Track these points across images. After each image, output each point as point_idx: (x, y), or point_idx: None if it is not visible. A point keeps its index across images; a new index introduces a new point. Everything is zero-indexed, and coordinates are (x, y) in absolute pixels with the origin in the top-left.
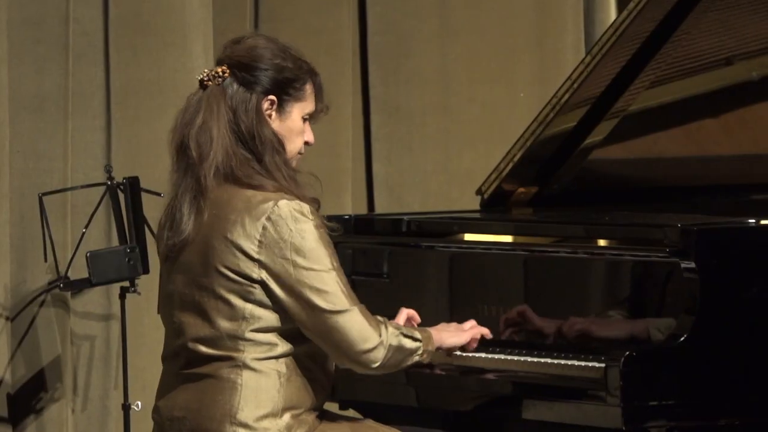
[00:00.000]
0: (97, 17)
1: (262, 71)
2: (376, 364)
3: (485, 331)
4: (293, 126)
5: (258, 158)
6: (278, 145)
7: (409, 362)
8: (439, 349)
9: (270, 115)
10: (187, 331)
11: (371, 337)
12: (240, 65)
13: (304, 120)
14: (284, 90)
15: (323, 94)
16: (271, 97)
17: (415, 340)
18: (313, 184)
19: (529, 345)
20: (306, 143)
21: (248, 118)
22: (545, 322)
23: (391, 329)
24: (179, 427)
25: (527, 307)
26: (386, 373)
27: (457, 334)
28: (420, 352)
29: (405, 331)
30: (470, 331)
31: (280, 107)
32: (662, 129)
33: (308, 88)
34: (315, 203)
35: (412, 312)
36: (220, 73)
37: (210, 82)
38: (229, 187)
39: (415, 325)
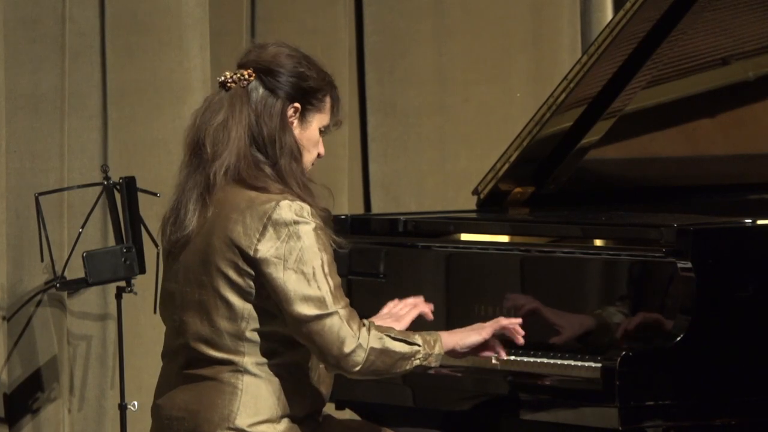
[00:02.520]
0: (93, 17)
1: (287, 77)
2: (357, 368)
3: (505, 323)
4: (311, 136)
5: (272, 162)
6: (297, 152)
7: (407, 366)
8: (454, 351)
9: (292, 123)
10: (188, 330)
11: (349, 340)
12: (266, 70)
13: (320, 132)
14: (308, 99)
15: (339, 108)
16: (296, 104)
17: (411, 343)
18: (325, 198)
19: (526, 345)
20: (318, 155)
21: (272, 123)
22: (543, 322)
23: (374, 332)
24: (177, 427)
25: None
26: (378, 377)
27: (477, 332)
28: (420, 356)
29: (395, 335)
30: (489, 326)
31: (302, 116)
32: (659, 129)
33: (328, 100)
34: (325, 213)
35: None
36: (246, 76)
37: (233, 84)
38: (233, 187)
39: (429, 312)
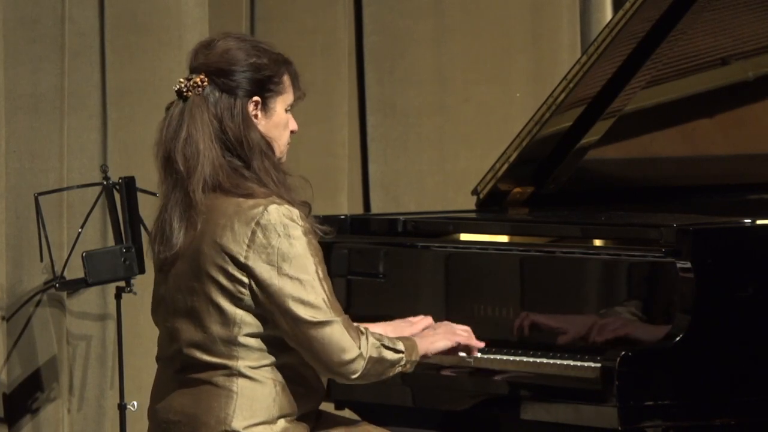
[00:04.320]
0: (93, 17)
1: (240, 74)
2: (355, 376)
3: (474, 344)
4: (279, 121)
5: (247, 164)
6: (266, 148)
7: (390, 373)
8: (425, 355)
9: (256, 116)
10: (181, 336)
11: (350, 349)
12: (218, 71)
13: (286, 111)
14: (265, 87)
15: (299, 80)
16: (256, 98)
17: (398, 351)
18: (304, 188)
19: (525, 345)
20: (292, 132)
21: (235, 124)
22: (542, 322)
23: (371, 340)
24: (174, 431)
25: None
26: (367, 382)
27: (446, 337)
28: (402, 363)
29: (387, 343)
30: (458, 336)
31: (265, 105)
32: (658, 129)
33: (286, 79)
34: (305, 207)
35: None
36: (199, 83)
37: (189, 93)
38: (219, 195)
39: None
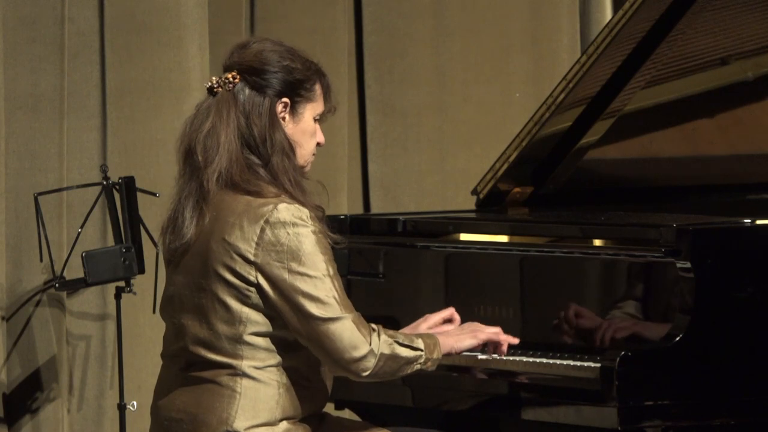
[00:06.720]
0: (93, 17)
1: (272, 74)
2: (367, 373)
3: (503, 338)
4: (306, 127)
5: (265, 162)
6: (289, 149)
7: (409, 370)
8: (449, 354)
9: (284, 118)
10: (187, 332)
11: (361, 345)
12: (250, 70)
13: (315, 121)
14: (296, 91)
15: (331, 94)
16: (285, 99)
17: (415, 349)
18: (319, 193)
19: (525, 345)
20: (318, 144)
21: (261, 122)
22: (543, 322)
23: (384, 337)
24: (176, 429)
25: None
26: (382, 380)
27: (472, 335)
28: (422, 360)
29: (402, 340)
30: (487, 334)
31: (293, 109)
32: (658, 129)
33: (318, 88)
34: (319, 211)
35: (448, 314)
36: (231, 79)
37: (220, 89)
38: (229, 192)
39: (456, 324)
